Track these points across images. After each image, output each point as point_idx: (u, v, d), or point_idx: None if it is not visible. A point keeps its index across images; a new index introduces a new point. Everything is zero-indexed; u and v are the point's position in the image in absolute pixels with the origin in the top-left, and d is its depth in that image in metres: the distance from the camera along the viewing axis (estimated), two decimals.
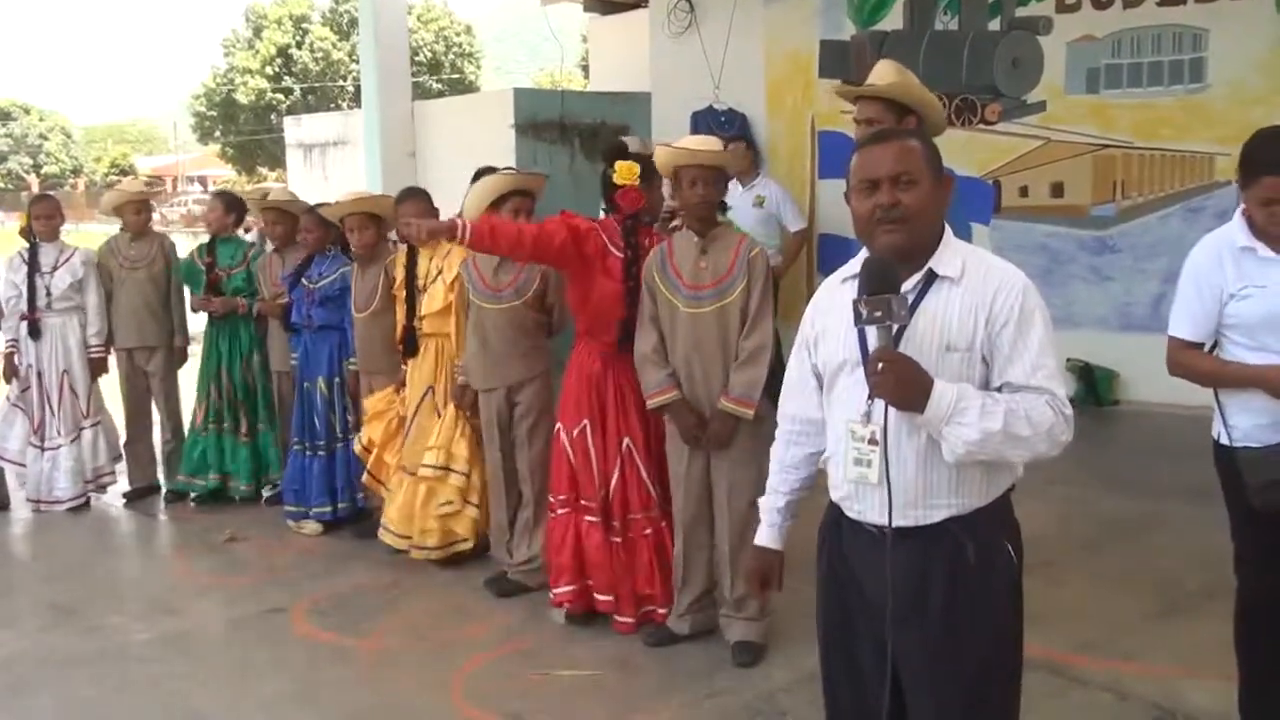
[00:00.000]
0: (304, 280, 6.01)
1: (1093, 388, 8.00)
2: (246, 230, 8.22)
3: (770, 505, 2.71)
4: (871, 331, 2.27)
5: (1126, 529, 5.68)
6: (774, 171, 8.85)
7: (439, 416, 5.32)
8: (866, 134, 3.01)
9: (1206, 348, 3.28)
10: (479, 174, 5.21)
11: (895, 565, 2.28)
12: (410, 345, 5.43)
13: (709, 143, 4.23)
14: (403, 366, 5.54)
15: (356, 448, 5.74)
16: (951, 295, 2.33)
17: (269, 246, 6.85)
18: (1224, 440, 3.26)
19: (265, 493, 6.66)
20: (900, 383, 2.21)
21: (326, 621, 4.87)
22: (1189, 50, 7.62)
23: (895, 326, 2.24)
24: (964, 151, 8.06)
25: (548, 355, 5.00)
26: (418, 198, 5.47)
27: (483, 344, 4.98)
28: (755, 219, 7.76)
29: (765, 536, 2.71)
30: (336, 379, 5.97)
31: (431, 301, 5.31)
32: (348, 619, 4.89)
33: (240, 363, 6.66)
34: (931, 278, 2.35)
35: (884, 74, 4.12)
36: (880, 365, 2.21)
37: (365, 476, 5.72)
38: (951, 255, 2.37)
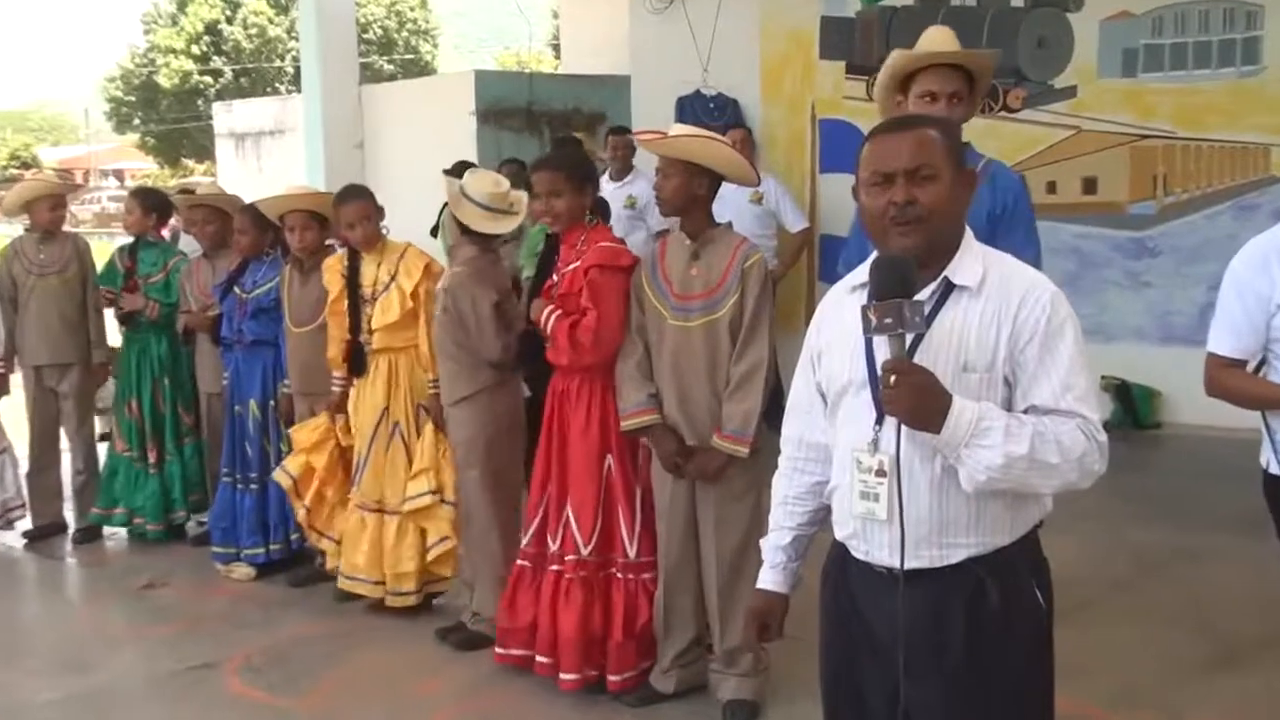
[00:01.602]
0: (236, 289, 6.00)
1: (1130, 409, 8.05)
2: (176, 237, 8.21)
3: (773, 544, 2.71)
4: (881, 342, 2.28)
5: (1170, 567, 5.71)
6: (771, 164, 8.89)
7: (404, 443, 5.33)
8: (885, 120, 2.98)
9: (1251, 366, 3.29)
10: (457, 169, 5.21)
11: (908, 611, 2.28)
12: (358, 363, 5.41)
13: (691, 131, 4.27)
14: (339, 388, 5.51)
15: (283, 480, 5.64)
16: (970, 308, 2.34)
17: (192, 250, 6.83)
18: (1274, 469, 3.28)
19: (191, 529, 6.63)
20: (917, 393, 2.20)
21: (262, 679, 4.84)
22: (1241, 28, 7.71)
23: (909, 336, 2.24)
24: (984, 142, 7.99)
25: (480, 379, 4.88)
26: (360, 199, 5.38)
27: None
28: (751, 218, 7.79)
29: (767, 578, 2.71)
30: (271, 401, 5.96)
31: (384, 312, 5.28)
32: (286, 675, 4.87)
33: (151, 384, 6.63)
34: (949, 288, 2.37)
35: (949, 41, 4.08)
36: (893, 377, 2.21)
37: (301, 515, 5.67)
38: (971, 261, 2.38)
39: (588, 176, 4.49)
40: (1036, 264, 3.04)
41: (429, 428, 5.27)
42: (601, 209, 6.82)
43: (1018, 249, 2.88)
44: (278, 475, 5.68)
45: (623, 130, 8.64)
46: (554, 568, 4.45)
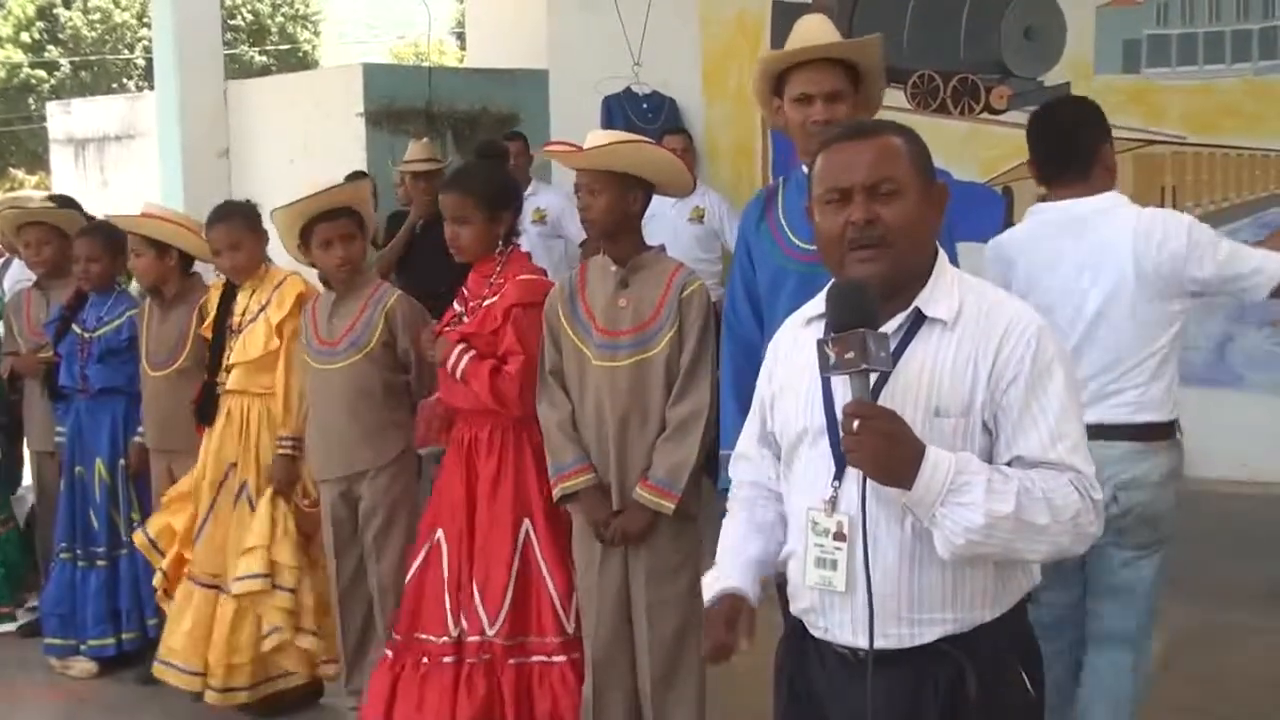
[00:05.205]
0: (75, 326, 5.93)
1: None
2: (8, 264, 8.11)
3: (728, 561, 2.60)
4: (842, 382, 2.31)
5: (1193, 648, 5.75)
6: (714, 176, 8.94)
7: (250, 507, 5.24)
8: (830, 131, 3.02)
9: None
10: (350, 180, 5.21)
11: (875, 701, 2.28)
12: (206, 409, 5.34)
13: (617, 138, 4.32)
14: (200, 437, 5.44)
15: (139, 541, 5.54)
16: (943, 343, 2.38)
17: (8, 280, 6.75)
18: None
19: (20, 616, 6.52)
20: (884, 441, 2.22)
21: None
22: (1258, 17, 7.81)
23: (874, 373, 2.26)
24: (964, 148, 8.22)
25: (407, 431, 4.93)
26: (230, 221, 5.33)
27: (317, 420, 4.98)
28: (690, 238, 7.83)
29: (719, 582, 2.57)
30: (121, 461, 5.89)
31: (247, 346, 5.21)
32: None
33: None
34: (919, 320, 2.40)
35: (824, 31, 4.13)
36: (856, 422, 2.23)
37: (158, 579, 5.53)
38: (945, 291, 2.42)
39: (502, 200, 4.50)
40: None
41: (268, 495, 5.18)
42: None
43: None
44: (136, 536, 5.58)
45: (517, 135, 8.62)
46: (449, 659, 4.41)
